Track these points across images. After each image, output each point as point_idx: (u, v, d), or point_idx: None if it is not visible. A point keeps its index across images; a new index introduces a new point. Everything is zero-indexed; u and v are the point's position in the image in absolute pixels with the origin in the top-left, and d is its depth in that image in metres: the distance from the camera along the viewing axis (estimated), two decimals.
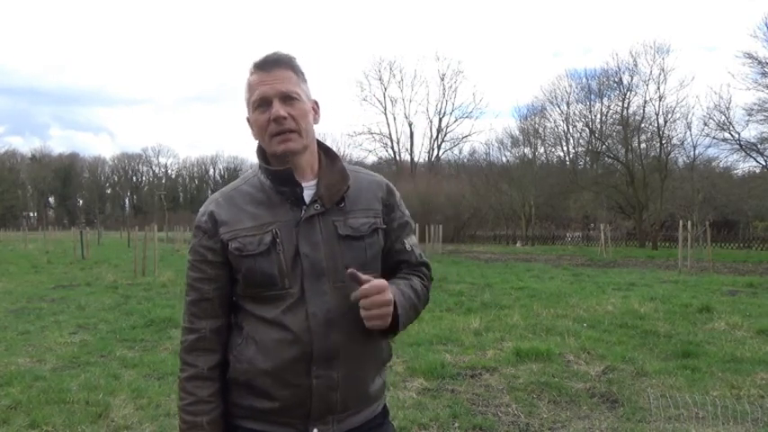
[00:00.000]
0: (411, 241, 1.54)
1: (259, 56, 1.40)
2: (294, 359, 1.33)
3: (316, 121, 1.45)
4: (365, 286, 1.27)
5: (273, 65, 1.38)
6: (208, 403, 1.38)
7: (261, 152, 1.45)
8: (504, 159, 46.67)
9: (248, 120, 1.45)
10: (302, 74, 1.43)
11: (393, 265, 1.51)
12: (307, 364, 1.33)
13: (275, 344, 1.34)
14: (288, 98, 1.37)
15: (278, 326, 1.34)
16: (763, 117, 27.20)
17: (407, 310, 1.40)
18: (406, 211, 1.56)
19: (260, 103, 1.37)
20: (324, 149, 1.48)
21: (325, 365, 1.34)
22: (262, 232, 1.36)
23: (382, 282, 1.30)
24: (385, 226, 1.47)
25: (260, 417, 1.38)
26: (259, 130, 1.39)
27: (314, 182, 1.42)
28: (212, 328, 1.40)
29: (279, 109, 1.35)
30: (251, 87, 1.39)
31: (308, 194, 1.39)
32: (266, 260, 1.34)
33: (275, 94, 1.36)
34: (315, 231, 1.37)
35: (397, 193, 1.54)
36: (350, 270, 1.29)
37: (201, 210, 1.45)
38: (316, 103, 1.46)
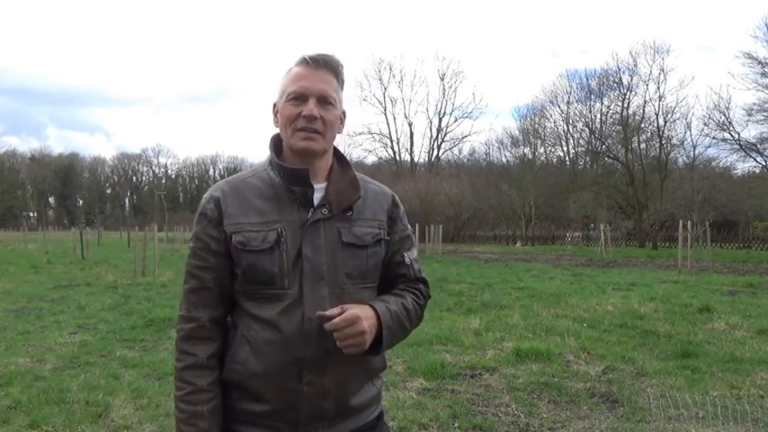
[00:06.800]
0: (411, 255, 1.54)
1: (311, 50, 1.41)
2: (286, 363, 1.32)
3: (339, 130, 1.45)
4: (335, 320, 1.28)
5: (322, 65, 1.39)
6: (207, 392, 1.37)
7: (274, 146, 1.45)
8: (503, 159, 46.80)
9: (275, 105, 1.45)
10: (342, 83, 1.45)
11: (391, 277, 1.51)
12: (298, 368, 1.33)
13: (268, 345, 1.33)
14: (324, 101, 1.38)
15: (272, 327, 1.33)
16: (763, 117, 27.27)
17: (394, 331, 1.39)
18: (408, 225, 1.57)
19: (296, 96, 1.38)
20: (337, 156, 1.49)
21: (316, 372, 1.33)
22: (267, 229, 1.35)
23: (352, 314, 1.29)
24: (388, 237, 1.47)
25: (251, 420, 1.37)
26: (286, 120, 1.39)
27: (323, 185, 1.41)
28: (211, 317, 1.39)
29: (313, 108, 1.36)
30: (292, 78, 1.40)
31: (316, 197, 1.39)
32: (268, 258, 1.34)
33: (314, 93, 1.37)
34: (319, 235, 1.36)
35: (402, 207, 1.55)
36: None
37: (206, 196, 1.42)
38: (343, 113, 1.47)
